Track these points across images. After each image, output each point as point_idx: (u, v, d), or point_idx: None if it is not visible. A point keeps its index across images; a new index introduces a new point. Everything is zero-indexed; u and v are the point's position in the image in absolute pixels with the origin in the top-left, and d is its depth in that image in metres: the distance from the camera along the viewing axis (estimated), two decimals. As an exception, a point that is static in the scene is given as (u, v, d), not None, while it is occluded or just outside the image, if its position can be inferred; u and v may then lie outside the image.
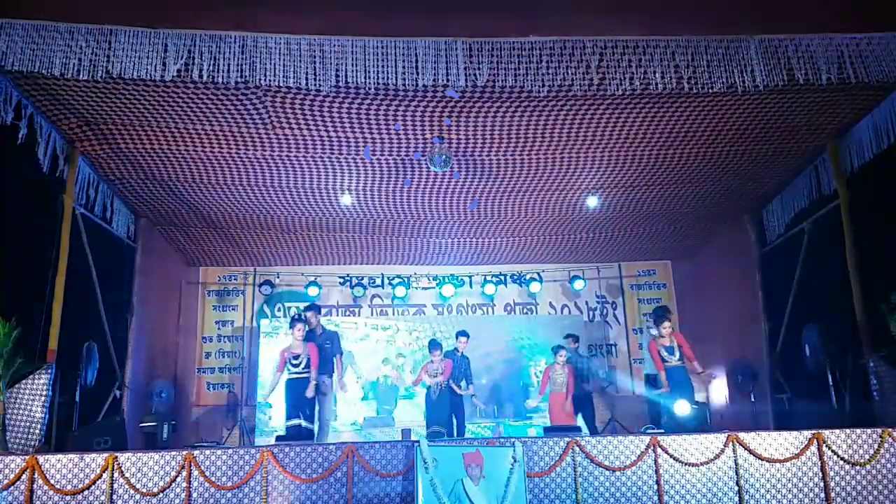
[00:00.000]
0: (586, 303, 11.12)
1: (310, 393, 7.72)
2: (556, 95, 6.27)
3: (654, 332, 8.09)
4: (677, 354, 7.88)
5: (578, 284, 10.89)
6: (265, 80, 5.61)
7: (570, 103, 6.51)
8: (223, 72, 5.53)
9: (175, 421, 8.26)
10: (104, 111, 6.54)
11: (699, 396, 7.32)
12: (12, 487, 5.43)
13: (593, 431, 8.29)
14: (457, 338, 8.77)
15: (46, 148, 6.64)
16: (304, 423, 7.68)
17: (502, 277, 11.08)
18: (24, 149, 6.38)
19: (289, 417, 7.81)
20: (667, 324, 8.01)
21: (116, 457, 5.57)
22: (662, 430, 6.61)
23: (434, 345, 8.50)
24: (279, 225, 9.35)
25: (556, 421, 8.58)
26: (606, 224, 9.62)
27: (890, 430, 5.82)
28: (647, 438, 5.82)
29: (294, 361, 7.88)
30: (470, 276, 11.14)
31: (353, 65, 5.61)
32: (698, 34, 5.76)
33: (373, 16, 5.67)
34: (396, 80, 5.64)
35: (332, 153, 7.40)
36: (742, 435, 5.83)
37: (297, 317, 8.44)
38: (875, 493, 5.70)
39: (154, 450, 6.19)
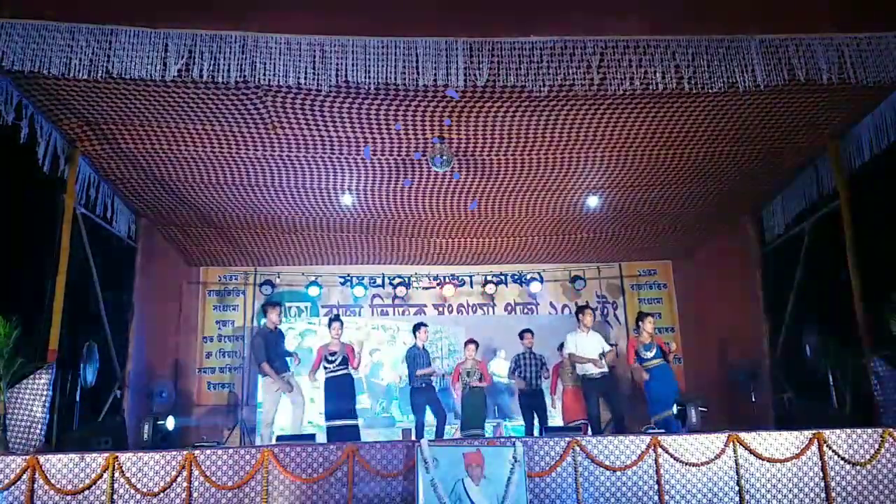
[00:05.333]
0: (587, 303, 11.10)
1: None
2: (557, 95, 6.27)
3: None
4: (653, 352, 8.17)
5: (579, 284, 10.89)
6: (265, 79, 5.61)
7: (570, 103, 6.51)
8: (223, 71, 5.52)
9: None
10: (104, 111, 6.54)
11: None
12: (13, 487, 5.43)
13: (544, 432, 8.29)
14: (418, 329, 8.83)
15: (47, 148, 6.63)
16: (347, 422, 7.77)
17: (503, 277, 11.08)
18: (25, 149, 6.38)
19: (329, 417, 7.87)
20: (649, 319, 8.42)
21: (117, 456, 5.57)
22: (662, 431, 6.61)
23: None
24: (279, 225, 9.35)
25: (571, 416, 8.63)
26: (607, 224, 9.61)
27: (890, 430, 5.82)
28: (647, 438, 5.82)
29: (330, 358, 8.09)
30: (470, 276, 11.13)
31: (353, 64, 5.60)
32: (698, 34, 5.76)
33: (373, 16, 5.67)
34: (397, 79, 5.64)
35: (332, 153, 7.40)
36: (742, 435, 5.83)
37: (335, 316, 8.67)
38: (876, 493, 5.70)
39: (154, 450, 6.18)
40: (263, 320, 8.52)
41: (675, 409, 6.99)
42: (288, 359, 8.27)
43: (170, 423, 7.47)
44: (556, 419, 9.01)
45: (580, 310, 8.81)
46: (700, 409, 6.73)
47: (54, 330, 6.59)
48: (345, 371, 8.08)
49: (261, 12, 5.60)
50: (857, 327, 6.83)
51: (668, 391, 7.82)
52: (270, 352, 8.10)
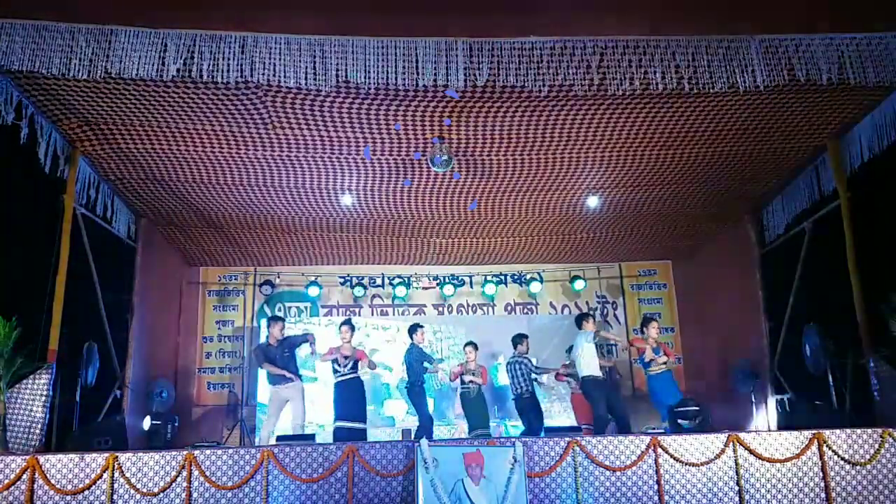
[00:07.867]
0: (587, 303, 11.11)
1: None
2: (557, 95, 6.27)
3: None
4: (660, 357, 8.11)
5: (579, 284, 10.85)
6: (265, 79, 5.61)
7: (570, 103, 6.51)
8: (223, 71, 5.52)
9: (177, 420, 8.27)
10: (104, 111, 6.54)
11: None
12: (13, 487, 5.44)
13: (536, 433, 8.25)
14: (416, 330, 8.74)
15: (47, 148, 6.64)
16: (355, 425, 7.80)
17: (502, 277, 11.06)
18: (25, 149, 6.39)
19: (338, 418, 7.89)
20: (654, 324, 8.36)
21: (117, 457, 5.58)
22: (662, 431, 6.61)
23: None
24: (279, 225, 9.35)
25: (579, 421, 8.65)
26: (607, 224, 9.61)
27: (890, 430, 5.83)
28: (647, 438, 5.82)
29: (343, 362, 8.02)
30: (470, 276, 11.12)
31: (353, 64, 5.60)
32: (698, 34, 5.76)
33: (373, 16, 5.67)
34: (396, 79, 5.64)
35: (332, 153, 7.40)
36: (742, 435, 5.84)
37: (346, 320, 8.67)
38: (875, 493, 5.70)
39: (154, 450, 6.19)
40: (265, 334, 8.50)
41: (667, 422, 6.97)
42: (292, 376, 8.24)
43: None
44: (555, 420, 9.02)
45: (584, 317, 8.62)
46: (692, 418, 6.71)
47: (54, 330, 6.59)
48: (354, 375, 8.09)
49: (261, 12, 5.60)
50: (857, 327, 6.83)
51: (671, 399, 7.75)
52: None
